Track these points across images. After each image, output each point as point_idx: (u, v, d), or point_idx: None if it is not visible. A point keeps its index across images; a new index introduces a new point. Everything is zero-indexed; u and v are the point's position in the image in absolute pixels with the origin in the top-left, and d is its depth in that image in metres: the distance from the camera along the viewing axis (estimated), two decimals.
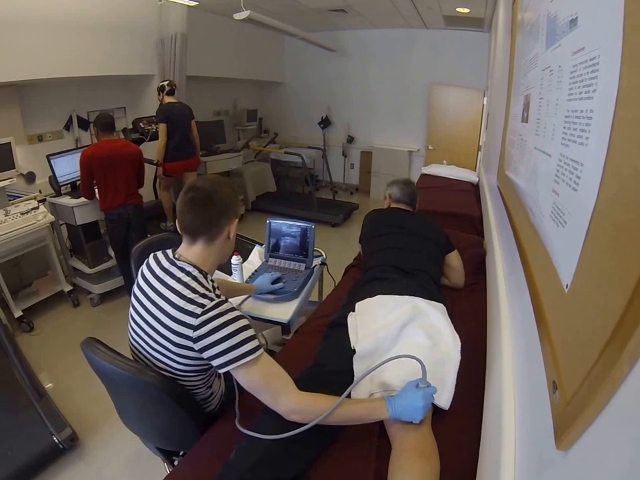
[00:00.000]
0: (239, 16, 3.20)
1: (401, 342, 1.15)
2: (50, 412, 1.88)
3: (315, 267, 1.92)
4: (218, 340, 0.89)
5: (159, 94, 3.38)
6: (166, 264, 1.01)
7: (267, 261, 1.94)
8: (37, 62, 2.89)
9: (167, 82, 3.38)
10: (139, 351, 1.05)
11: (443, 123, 5.55)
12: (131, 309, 1.06)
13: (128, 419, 1.21)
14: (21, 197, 3.00)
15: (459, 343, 1.16)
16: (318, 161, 6.22)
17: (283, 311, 1.61)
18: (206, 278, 1.00)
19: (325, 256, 2.07)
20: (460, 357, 1.11)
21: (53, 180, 2.85)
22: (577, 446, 0.49)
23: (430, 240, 1.75)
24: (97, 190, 2.72)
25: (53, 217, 2.74)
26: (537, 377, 0.72)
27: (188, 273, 0.98)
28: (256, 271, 1.86)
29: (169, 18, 3.56)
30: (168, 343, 0.95)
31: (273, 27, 3.69)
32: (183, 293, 0.93)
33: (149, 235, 3.03)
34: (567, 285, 0.64)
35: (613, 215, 0.52)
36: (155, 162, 3.39)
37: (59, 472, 1.75)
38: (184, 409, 1.01)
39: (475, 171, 4.84)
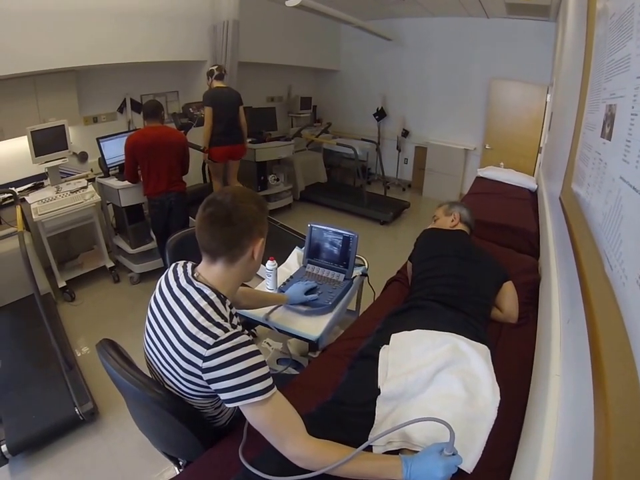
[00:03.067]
0: (290, 3, 3.09)
1: (433, 387, 1.03)
2: (76, 384, 1.98)
3: (354, 277, 1.81)
4: (228, 375, 0.83)
5: (208, 78, 3.36)
6: (184, 282, 0.95)
7: (305, 267, 1.85)
8: (100, 49, 3.02)
9: (216, 67, 3.35)
10: (152, 363, 1.01)
11: (501, 121, 5.16)
12: (147, 321, 1.02)
13: (137, 421, 1.20)
14: (73, 175, 3.14)
15: (498, 398, 1.01)
16: (371, 153, 6.00)
17: (314, 326, 1.51)
18: (224, 304, 0.93)
19: (367, 265, 1.95)
20: (496, 415, 0.97)
21: (102, 162, 2.95)
22: None
23: (487, 268, 1.61)
24: (141, 175, 2.77)
25: (99, 197, 2.85)
26: (584, 467, 0.58)
27: (205, 297, 0.91)
28: (292, 277, 1.78)
29: (221, 5, 3.54)
30: (176, 366, 0.90)
31: (326, 13, 3.54)
32: (197, 320, 0.87)
33: (191, 220, 3.06)
34: None
35: None
36: (201, 148, 3.40)
37: (76, 441, 1.86)
38: (189, 428, 0.97)
39: (534, 175, 4.46)
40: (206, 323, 0.86)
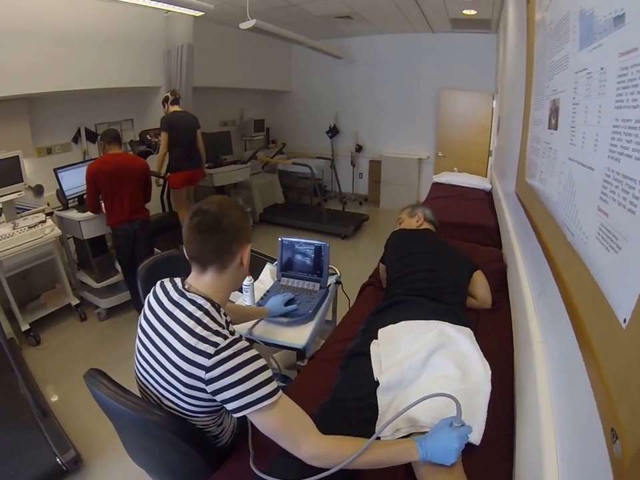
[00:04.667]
0: (245, 25, 3.17)
1: (427, 373, 1.07)
2: (54, 432, 1.84)
3: (329, 286, 1.84)
4: (232, 383, 0.82)
5: (164, 105, 3.35)
6: (175, 295, 0.93)
7: (280, 281, 1.86)
8: (50, 75, 2.92)
9: (170, 92, 3.35)
10: (146, 387, 0.97)
11: (452, 129, 5.47)
12: (137, 342, 0.98)
13: (133, 453, 1.14)
14: (29, 210, 2.99)
15: (489, 372, 1.07)
16: (326, 171, 6.14)
17: (298, 335, 1.53)
18: (219, 312, 0.92)
19: (339, 274, 1.99)
20: (490, 387, 1.02)
21: (60, 194, 2.83)
22: None
23: (457, 261, 1.71)
24: (103, 204, 2.70)
25: (60, 230, 2.72)
26: (585, 419, 0.64)
27: (199, 307, 0.89)
28: (268, 291, 1.79)
29: (175, 29, 3.57)
30: (177, 383, 0.87)
31: (279, 35, 3.66)
32: (195, 330, 0.86)
33: (156, 250, 2.99)
34: (625, 320, 0.55)
35: None
36: (162, 175, 3.36)
37: None
38: (194, 448, 0.93)
39: (487, 177, 4.74)
40: (204, 333, 0.85)
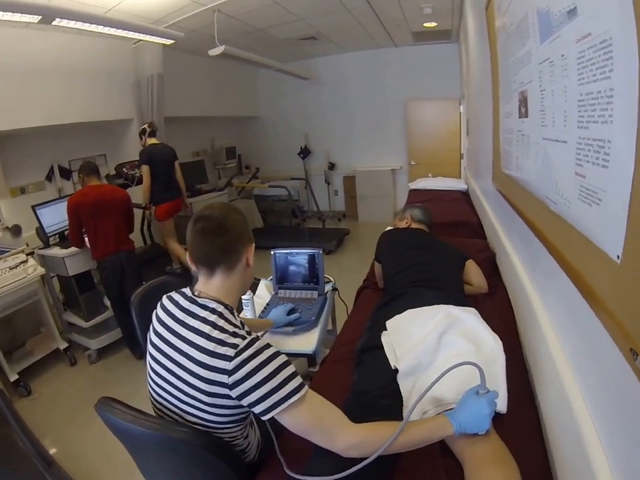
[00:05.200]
0: (214, 52, 3.26)
1: (442, 353, 1.10)
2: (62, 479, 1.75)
3: (327, 292, 1.86)
4: (257, 383, 0.79)
5: (141, 138, 3.36)
6: (185, 304, 0.91)
7: (277, 294, 1.87)
8: (17, 111, 2.87)
9: (148, 124, 3.37)
10: (164, 406, 0.93)
11: (422, 137, 5.65)
12: (149, 360, 0.95)
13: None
14: (8, 252, 2.89)
15: (500, 342, 1.11)
16: (302, 191, 6.19)
17: (305, 342, 1.54)
18: (232, 313, 0.91)
19: (334, 281, 2.02)
20: (504, 356, 1.06)
21: (40, 231, 2.76)
22: None
23: (448, 253, 1.77)
24: (86, 238, 2.65)
25: (43, 269, 2.64)
26: (603, 355, 0.69)
27: (213, 311, 0.88)
28: (267, 304, 1.79)
29: (144, 60, 3.59)
30: (199, 394, 0.84)
31: (248, 59, 3.77)
32: (212, 335, 0.83)
33: (144, 282, 2.93)
34: (619, 256, 0.62)
35: None
36: (142, 205, 3.34)
37: None
38: (224, 462, 0.89)
39: (461, 178, 4.91)
40: (222, 335, 0.83)
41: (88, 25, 2.47)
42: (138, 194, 3.38)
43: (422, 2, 3.39)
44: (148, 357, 0.97)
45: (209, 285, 0.93)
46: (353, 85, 5.82)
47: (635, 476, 0.57)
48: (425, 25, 4.21)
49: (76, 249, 2.68)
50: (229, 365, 0.80)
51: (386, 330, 1.29)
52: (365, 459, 0.81)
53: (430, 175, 4.74)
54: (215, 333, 0.84)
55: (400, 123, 5.74)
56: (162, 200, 3.39)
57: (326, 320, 1.77)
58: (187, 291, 0.96)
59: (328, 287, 1.92)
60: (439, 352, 1.10)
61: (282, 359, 0.84)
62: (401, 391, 1.07)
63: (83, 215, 2.51)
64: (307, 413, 0.82)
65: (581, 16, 0.75)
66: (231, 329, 0.85)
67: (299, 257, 1.87)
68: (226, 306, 0.91)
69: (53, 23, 2.29)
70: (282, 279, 1.90)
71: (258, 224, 5.70)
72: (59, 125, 3.21)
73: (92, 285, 3.01)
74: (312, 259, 1.85)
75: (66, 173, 3.56)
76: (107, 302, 2.95)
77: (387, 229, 2.12)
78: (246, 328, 0.90)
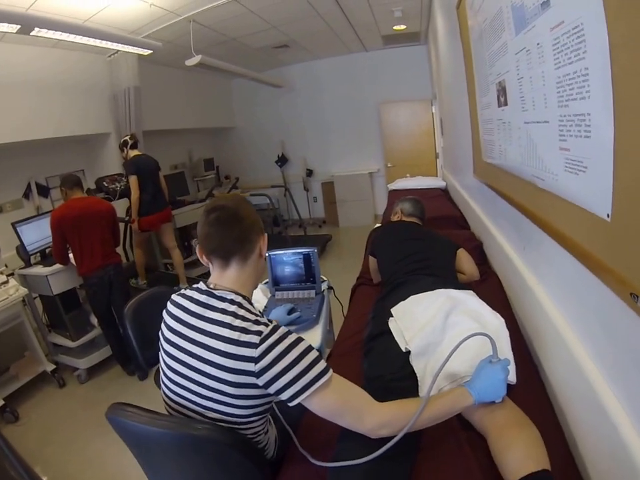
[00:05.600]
0: (191, 62, 3.27)
1: (448, 333, 1.13)
2: None
3: (324, 291, 1.88)
4: (284, 369, 0.79)
5: (123, 150, 3.32)
6: (202, 297, 0.90)
7: (274, 296, 1.87)
8: None
9: (129, 136, 3.34)
10: (182, 405, 0.91)
11: (396, 139, 5.77)
12: (164, 358, 0.93)
13: None
14: None
15: (502, 319, 1.15)
16: (281, 200, 6.18)
17: (310, 339, 1.49)
18: (251, 303, 0.90)
19: (328, 280, 2.04)
20: (508, 332, 1.10)
21: (21, 249, 2.67)
22: None
23: (440, 243, 1.82)
24: (71, 255, 2.58)
25: (26, 289, 2.55)
26: (604, 309, 0.75)
27: (231, 301, 0.87)
28: (266, 307, 1.79)
29: (120, 72, 3.55)
30: (224, 386, 0.82)
31: (224, 69, 3.79)
32: (234, 324, 0.82)
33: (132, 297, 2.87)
34: (609, 215, 0.69)
35: (633, 145, 0.60)
36: (126, 219, 3.29)
37: None
38: (250, 459, 0.87)
39: (438, 177, 5.03)
40: (245, 324, 0.82)
41: (67, 35, 2.43)
42: (120, 208, 3.33)
43: (392, 5, 3.51)
44: (162, 356, 0.95)
45: (224, 277, 0.92)
46: (326, 91, 5.91)
47: None
48: (395, 28, 4.35)
49: (60, 265, 2.60)
50: (255, 352, 0.79)
51: (391, 317, 1.32)
52: (392, 438, 0.82)
53: (408, 175, 4.83)
54: (237, 322, 0.83)
55: (374, 126, 5.85)
56: (149, 211, 3.35)
57: (326, 317, 1.78)
58: (200, 285, 0.94)
59: (324, 286, 1.94)
60: (446, 332, 1.13)
61: (305, 343, 0.84)
62: (415, 370, 1.09)
63: (67, 229, 2.45)
64: (335, 395, 0.82)
65: (553, 7, 0.82)
66: (252, 317, 0.85)
67: (294, 257, 1.88)
68: (244, 297, 0.90)
69: (32, 33, 2.24)
70: (278, 281, 1.91)
71: None
72: (35, 141, 3.14)
73: (77, 303, 2.93)
74: (307, 258, 1.86)
75: (44, 190, 3.48)
76: (94, 320, 2.87)
77: (376, 226, 2.16)
78: (265, 317, 0.90)
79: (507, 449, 0.83)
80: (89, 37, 2.57)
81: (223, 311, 0.85)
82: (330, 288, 1.97)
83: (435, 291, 1.33)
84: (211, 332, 0.84)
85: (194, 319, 0.88)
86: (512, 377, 0.99)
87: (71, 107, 3.39)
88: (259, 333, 0.81)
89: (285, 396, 0.81)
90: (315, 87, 5.93)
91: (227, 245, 0.90)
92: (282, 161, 6.18)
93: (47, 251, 2.76)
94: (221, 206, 0.91)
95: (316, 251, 1.86)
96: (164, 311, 0.98)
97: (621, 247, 0.65)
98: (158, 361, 1.65)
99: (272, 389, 0.81)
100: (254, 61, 4.92)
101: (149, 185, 3.30)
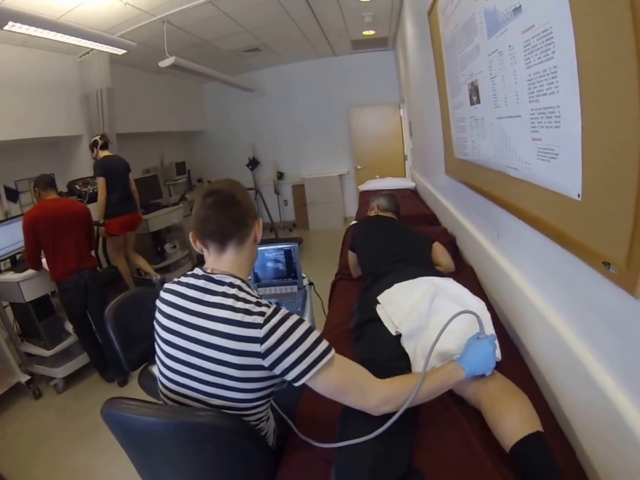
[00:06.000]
0: (164, 63, 3.25)
1: (434, 317, 1.19)
2: None
3: (305, 286, 1.92)
4: (289, 348, 0.80)
5: (93, 150, 3.23)
6: (200, 282, 0.89)
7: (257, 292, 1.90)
8: None
9: (99, 136, 3.25)
10: (184, 395, 0.89)
11: (366, 142, 5.92)
12: (161, 346, 0.92)
13: None
14: None
15: (484, 303, 1.24)
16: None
17: None
18: (250, 287, 0.91)
19: (307, 276, 2.06)
20: (489, 314, 1.17)
21: None
22: None
23: (417, 237, 1.90)
24: (44, 260, 2.48)
25: None
26: (579, 282, 0.86)
27: (231, 285, 0.87)
28: None
29: (91, 73, 3.45)
30: (228, 369, 0.82)
31: (197, 71, 3.78)
32: (235, 306, 0.83)
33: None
34: (579, 195, 0.79)
35: (597, 132, 0.71)
36: (100, 222, 3.20)
37: None
38: (255, 447, 0.87)
39: (407, 177, 5.19)
40: (247, 306, 0.83)
41: (42, 31, 2.34)
42: (94, 211, 3.23)
43: (363, 10, 3.64)
44: (159, 344, 0.93)
45: (221, 261, 0.92)
46: (296, 95, 6.00)
47: (634, 378, 0.70)
48: (364, 33, 4.50)
49: (32, 271, 2.51)
50: (259, 333, 0.79)
51: (378, 304, 1.37)
52: (393, 415, 0.84)
53: (377, 176, 4.98)
54: (240, 304, 0.83)
55: (344, 129, 5.99)
56: (118, 212, 3.25)
57: (311, 310, 1.82)
58: (196, 271, 0.94)
59: (305, 282, 1.97)
60: (431, 316, 1.20)
61: (307, 324, 0.84)
62: (407, 352, 1.15)
63: (41, 231, 2.36)
64: (339, 373, 0.84)
65: (525, 12, 0.94)
66: (253, 299, 0.85)
67: (275, 253, 1.91)
68: (242, 280, 0.91)
69: (5, 28, 2.15)
70: (259, 277, 1.94)
71: None
72: (1, 143, 3.00)
73: (51, 310, 2.82)
74: (288, 253, 1.90)
75: (13, 195, 3.33)
76: (69, 327, 2.78)
77: (353, 222, 2.21)
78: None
79: (502, 416, 0.88)
80: (64, 33, 2.50)
81: (224, 294, 0.85)
82: (311, 283, 2.01)
83: (418, 278, 1.40)
84: (212, 315, 0.84)
85: (193, 304, 0.87)
86: (498, 354, 1.04)
87: (37, 108, 3.24)
88: (262, 313, 0.82)
89: (290, 376, 0.81)
90: (285, 91, 6.00)
91: (225, 228, 0.90)
92: (253, 164, 6.23)
93: (18, 256, 2.65)
94: (217, 190, 0.91)
95: (297, 246, 1.90)
96: (157, 301, 0.96)
97: (592, 223, 0.75)
98: (141, 363, 1.64)
99: (278, 370, 0.81)
100: (225, 65, 4.92)
101: (117, 187, 3.21)
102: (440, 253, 1.89)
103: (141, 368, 1.67)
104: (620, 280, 0.69)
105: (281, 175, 6.28)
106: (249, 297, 0.86)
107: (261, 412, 0.91)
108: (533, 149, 0.98)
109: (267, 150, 6.30)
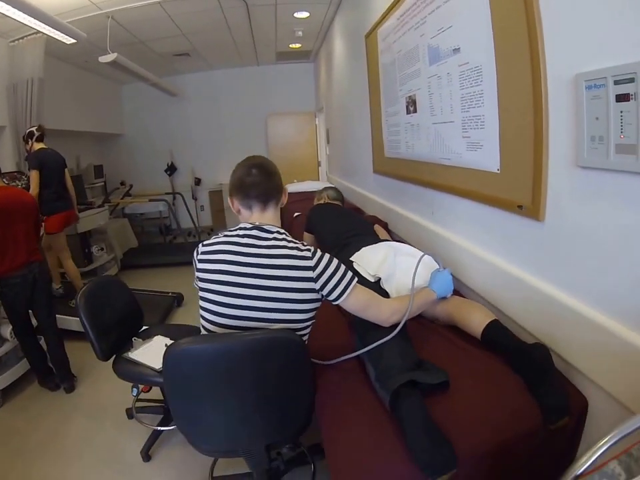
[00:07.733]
0: (105, 59, 3.22)
1: (398, 268, 1.49)
2: None
3: None
4: (332, 273, 1.06)
5: (27, 142, 3.01)
6: (252, 232, 1.09)
7: None
8: None
9: (36, 127, 3.04)
10: (243, 327, 1.06)
11: (282, 148, 6.24)
12: (213, 289, 1.09)
13: (236, 421, 1.10)
14: None
15: (430, 256, 1.46)
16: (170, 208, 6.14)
17: None
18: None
19: None
20: (437, 265, 1.41)
21: None
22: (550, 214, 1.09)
23: (361, 219, 2.33)
24: None
25: None
26: (500, 224, 1.33)
27: (278, 231, 1.10)
28: None
29: (23, 60, 3.18)
30: (291, 293, 1.04)
31: (134, 71, 3.78)
32: (288, 246, 1.06)
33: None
34: (498, 169, 1.29)
35: (509, 129, 1.20)
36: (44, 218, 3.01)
37: None
38: (308, 357, 1.07)
39: (324, 181, 5.64)
40: (295, 244, 1.08)
41: None
42: None
43: (296, 25, 4.03)
44: (211, 289, 1.09)
45: (265, 217, 1.14)
46: (217, 102, 6.12)
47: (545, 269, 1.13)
48: (291, 45, 4.86)
49: None
50: (311, 262, 1.05)
51: (353, 263, 1.65)
52: (394, 327, 1.13)
53: (295, 180, 5.29)
54: (291, 245, 1.08)
55: (262, 136, 6.26)
56: (55, 210, 3.08)
57: None
58: (244, 224, 1.13)
59: None
60: (396, 268, 1.50)
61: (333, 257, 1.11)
62: (387, 290, 1.44)
63: None
64: (364, 292, 1.13)
65: (462, 52, 1.39)
66: (296, 242, 1.10)
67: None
68: (282, 232, 1.13)
69: None
70: None
71: (133, 243, 5.41)
72: None
73: None
74: None
75: None
76: (6, 332, 2.46)
77: (296, 214, 2.57)
78: None
79: (468, 314, 1.26)
80: (17, 9, 2.33)
81: (275, 238, 1.09)
82: None
83: (378, 243, 1.73)
84: (270, 254, 1.05)
85: (247, 248, 1.07)
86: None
87: None
88: (308, 249, 1.08)
89: (334, 295, 1.07)
90: (206, 97, 6.09)
91: (269, 191, 1.14)
92: (171, 169, 6.24)
93: None
94: (260, 163, 1.15)
95: None
96: (195, 256, 1.14)
97: (508, 184, 1.25)
98: (114, 353, 1.72)
99: (325, 290, 1.06)
100: (151, 67, 4.83)
101: (53, 182, 3.06)
102: (381, 233, 2.31)
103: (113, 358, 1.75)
104: (529, 213, 1.15)
105: (198, 181, 6.38)
106: (293, 240, 1.12)
107: (308, 331, 1.16)
108: (464, 143, 1.46)
109: (185, 156, 6.33)
